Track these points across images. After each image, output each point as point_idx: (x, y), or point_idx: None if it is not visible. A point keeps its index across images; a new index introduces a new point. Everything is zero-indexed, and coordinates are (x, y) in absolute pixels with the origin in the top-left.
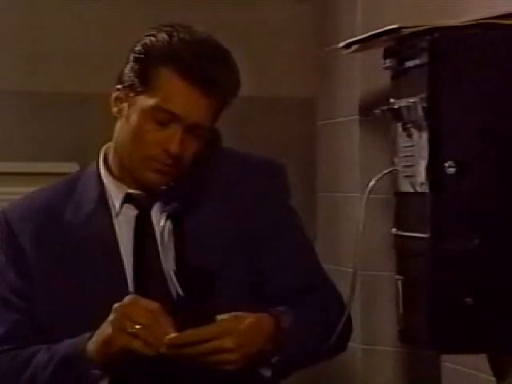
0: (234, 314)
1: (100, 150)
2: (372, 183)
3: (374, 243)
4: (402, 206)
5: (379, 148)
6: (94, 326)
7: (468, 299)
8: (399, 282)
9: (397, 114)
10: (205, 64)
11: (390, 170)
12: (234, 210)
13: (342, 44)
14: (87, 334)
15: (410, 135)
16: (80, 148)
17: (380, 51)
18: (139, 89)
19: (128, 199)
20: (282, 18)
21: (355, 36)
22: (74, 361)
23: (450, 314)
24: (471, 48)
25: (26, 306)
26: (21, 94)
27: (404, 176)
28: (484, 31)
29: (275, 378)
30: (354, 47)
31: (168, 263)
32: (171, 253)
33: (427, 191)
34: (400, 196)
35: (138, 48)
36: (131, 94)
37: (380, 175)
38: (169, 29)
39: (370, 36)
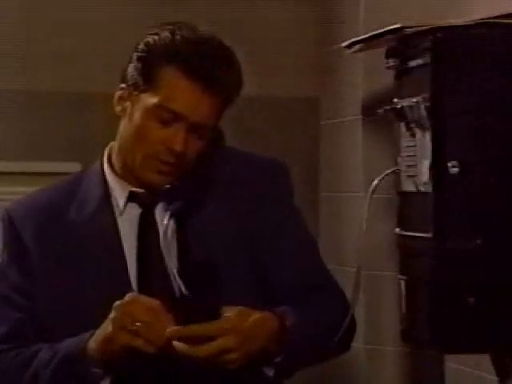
0: (239, 308)
1: (101, 149)
2: (375, 183)
3: (376, 243)
4: (405, 206)
5: (382, 148)
6: (97, 324)
7: (471, 299)
8: (402, 281)
9: (400, 114)
10: (208, 63)
11: (392, 169)
12: (236, 209)
13: (344, 44)
14: (88, 333)
15: (413, 135)
16: (80, 148)
17: (383, 51)
18: (142, 87)
19: (132, 198)
20: (284, 18)
21: (358, 36)
22: (75, 359)
23: (452, 313)
24: (474, 47)
25: (28, 305)
26: (21, 93)
27: (407, 176)
28: (487, 31)
29: (278, 378)
30: (357, 47)
31: (171, 262)
32: (174, 251)
33: (430, 191)
34: (403, 196)
35: (141, 47)
36: (134, 93)
37: (383, 175)
38: (172, 27)
39: (372, 36)
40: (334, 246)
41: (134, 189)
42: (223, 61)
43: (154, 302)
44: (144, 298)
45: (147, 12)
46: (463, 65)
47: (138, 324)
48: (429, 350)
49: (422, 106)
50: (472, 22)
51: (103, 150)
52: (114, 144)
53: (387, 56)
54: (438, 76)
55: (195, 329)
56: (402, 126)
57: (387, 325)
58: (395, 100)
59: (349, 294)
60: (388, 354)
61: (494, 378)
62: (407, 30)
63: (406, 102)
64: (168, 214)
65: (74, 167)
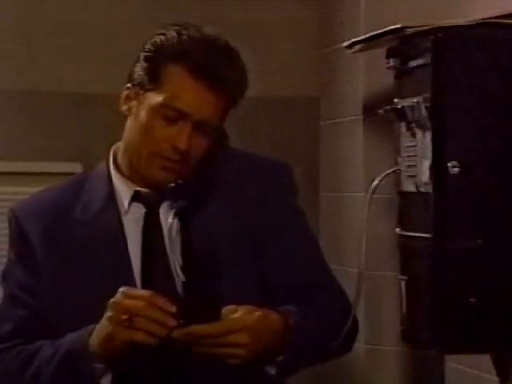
0: (245, 307)
1: (101, 149)
2: (375, 183)
3: (376, 243)
4: (406, 206)
5: (383, 148)
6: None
7: (471, 299)
8: (402, 281)
9: (400, 114)
10: (213, 62)
11: (393, 169)
12: (239, 209)
13: (345, 44)
14: (89, 328)
15: (413, 135)
16: (81, 148)
17: (383, 51)
18: (148, 86)
19: (136, 197)
20: (285, 18)
21: (358, 36)
22: (76, 355)
23: (453, 313)
24: (475, 48)
25: (34, 303)
26: (21, 93)
27: (407, 176)
28: (488, 31)
29: (280, 376)
30: (358, 47)
31: (175, 260)
32: (178, 250)
33: (430, 191)
34: (403, 196)
35: (148, 46)
36: (140, 92)
37: (383, 175)
38: (178, 28)
39: (373, 36)
40: (334, 245)
41: (139, 188)
42: (228, 61)
43: (146, 293)
44: (135, 291)
45: (148, 13)
46: (464, 65)
47: (136, 318)
48: (429, 350)
49: (423, 106)
50: (472, 22)
51: (103, 150)
52: (120, 144)
53: (388, 56)
54: (438, 76)
55: (204, 329)
56: (403, 126)
57: (387, 325)
58: (396, 100)
59: (349, 294)
60: (388, 354)
61: (495, 378)
62: (408, 30)
63: (406, 102)
64: (172, 212)
65: (75, 167)
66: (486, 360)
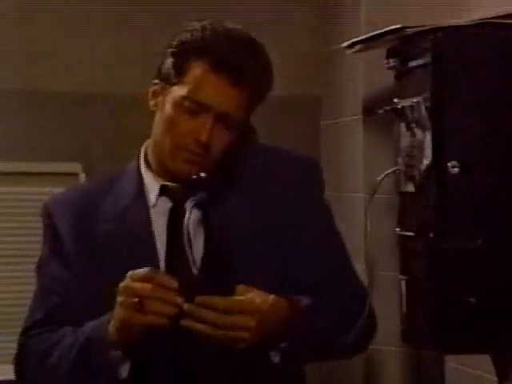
0: (256, 291)
1: (101, 149)
2: (375, 183)
3: (377, 243)
4: (406, 206)
5: (383, 148)
6: None
7: (471, 299)
8: (402, 281)
9: (400, 114)
10: (235, 56)
11: (393, 169)
12: (261, 203)
13: (345, 44)
14: (107, 316)
15: (413, 135)
16: (81, 148)
17: (383, 51)
18: (173, 81)
19: (163, 192)
20: (285, 18)
21: (359, 36)
22: (95, 343)
23: (453, 313)
24: (474, 48)
25: (65, 294)
26: (21, 93)
27: (407, 176)
28: (487, 31)
29: (284, 364)
30: (358, 47)
31: (189, 253)
32: (199, 241)
33: (430, 191)
34: (403, 196)
35: (175, 42)
36: (166, 87)
37: (383, 175)
38: (203, 23)
39: (373, 36)
40: None
41: (166, 183)
42: (251, 54)
43: (151, 273)
44: (139, 273)
45: (148, 13)
46: (463, 65)
47: (147, 301)
48: (429, 350)
49: (423, 106)
50: (472, 23)
51: (103, 150)
52: (150, 141)
53: (388, 56)
54: (438, 76)
55: (216, 301)
56: (403, 126)
57: (387, 325)
58: (396, 100)
59: None
60: (388, 354)
61: (494, 378)
62: (408, 30)
63: (406, 102)
64: (191, 204)
65: (74, 167)
66: (486, 360)
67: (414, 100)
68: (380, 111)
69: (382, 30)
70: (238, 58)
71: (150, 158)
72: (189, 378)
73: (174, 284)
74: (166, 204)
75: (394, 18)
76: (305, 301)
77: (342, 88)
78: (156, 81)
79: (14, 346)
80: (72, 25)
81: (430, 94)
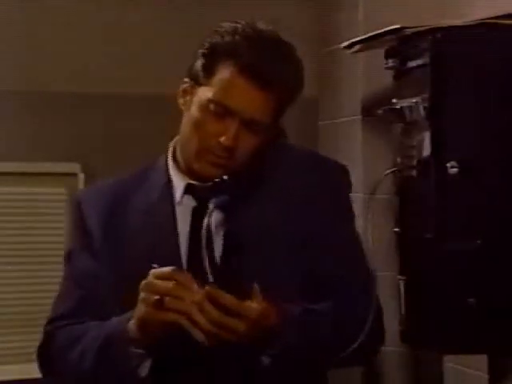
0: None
1: (101, 149)
2: (374, 184)
3: (376, 243)
4: (405, 206)
5: (381, 148)
6: None
7: (470, 299)
8: (401, 282)
9: (399, 114)
10: (264, 61)
11: (392, 170)
12: (285, 207)
13: (344, 44)
14: (129, 314)
15: (412, 135)
16: (80, 148)
17: (382, 51)
18: (201, 81)
19: (189, 190)
20: (283, 18)
21: (357, 36)
22: (115, 340)
23: (452, 314)
24: (473, 48)
25: (94, 286)
26: (21, 93)
27: (406, 176)
28: (486, 31)
29: (274, 368)
30: (356, 47)
31: (205, 255)
32: (219, 243)
33: (429, 191)
34: (402, 196)
35: (206, 44)
36: (195, 87)
37: (383, 175)
38: (234, 25)
39: (372, 36)
40: None
41: (192, 181)
42: (280, 58)
43: (173, 271)
44: (160, 270)
45: (148, 13)
46: (462, 65)
47: (167, 298)
48: (428, 351)
49: (421, 107)
50: (471, 23)
51: (103, 150)
52: (178, 138)
53: (386, 56)
54: (437, 76)
55: (230, 300)
56: (401, 126)
57: (387, 325)
58: (394, 100)
59: None
60: (387, 354)
61: (493, 379)
62: (406, 30)
63: (405, 103)
64: (212, 205)
65: (73, 167)
66: (484, 360)
67: (413, 100)
68: (379, 111)
69: (381, 30)
70: (266, 63)
71: (178, 155)
72: (207, 377)
73: (194, 284)
74: (190, 202)
75: (392, 18)
76: (296, 310)
77: (340, 88)
78: (186, 79)
79: (14, 346)
80: (72, 25)
81: (429, 95)
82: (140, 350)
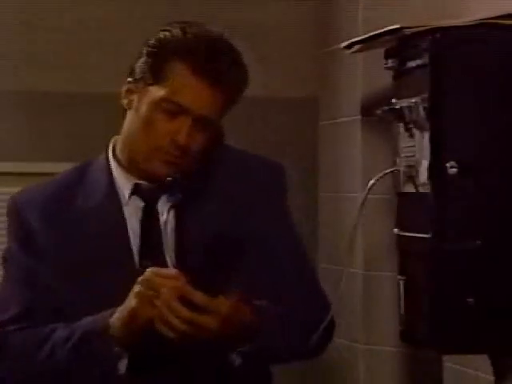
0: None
1: (102, 149)
2: (371, 182)
3: (375, 243)
4: (404, 206)
5: (381, 148)
6: (103, 308)
7: (470, 299)
8: (401, 282)
9: (398, 114)
10: (215, 61)
11: (390, 170)
12: (228, 207)
13: (343, 44)
14: (109, 311)
15: (411, 135)
16: (81, 148)
17: (382, 51)
18: (150, 81)
19: (136, 191)
20: (284, 18)
21: (357, 36)
22: (95, 337)
23: (451, 314)
24: (473, 48)
25: (38, 286)
26: (20, 93)
27: (406, 176)
28: (486, 31)
29: (247, 368)
30: (356, 47)
31: (168, 254)
32: (172, 242)
33: (429, 191)
34: (402, 196)
35: (152, 42)
36: (142, 86)
37: (380, 174)
38: (183, 25)
39: (371, 36)
40: (333, 246)
41: (139, 181)
42: (229, 59)
43: (172, 271)
44: (163, 270)
45: (148, 13)
46: (462, 65)
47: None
48: (427, 351)
49: (421, 107)
50: (471, 23)
51: (102, 150)
52: (118, 138)
53: (386, 56)
54: (436, 76)
55: (199, 297)
56: (401, 126)
57: (386, 325)
58: (394, 100)
59: (348, 294)
60: (387, 354)
61: (492, 379)
62: (406, 30)
63: (404, 103)
64: (168, 205)
65: None
66: (484, 360)
67: (413, 100)
68: (378, 112)
69: (381, 31)
70: (218, 64)
71: (119, 154)
72: (181, 374)
73: (187, 285)
74: (138, 203)
75: (392, 18)
76: (266, 306)
77: (340, 88)
78: (130, 79)
79: None
80: (72, 25)
81: (429, 95)
82: (118, 348)
